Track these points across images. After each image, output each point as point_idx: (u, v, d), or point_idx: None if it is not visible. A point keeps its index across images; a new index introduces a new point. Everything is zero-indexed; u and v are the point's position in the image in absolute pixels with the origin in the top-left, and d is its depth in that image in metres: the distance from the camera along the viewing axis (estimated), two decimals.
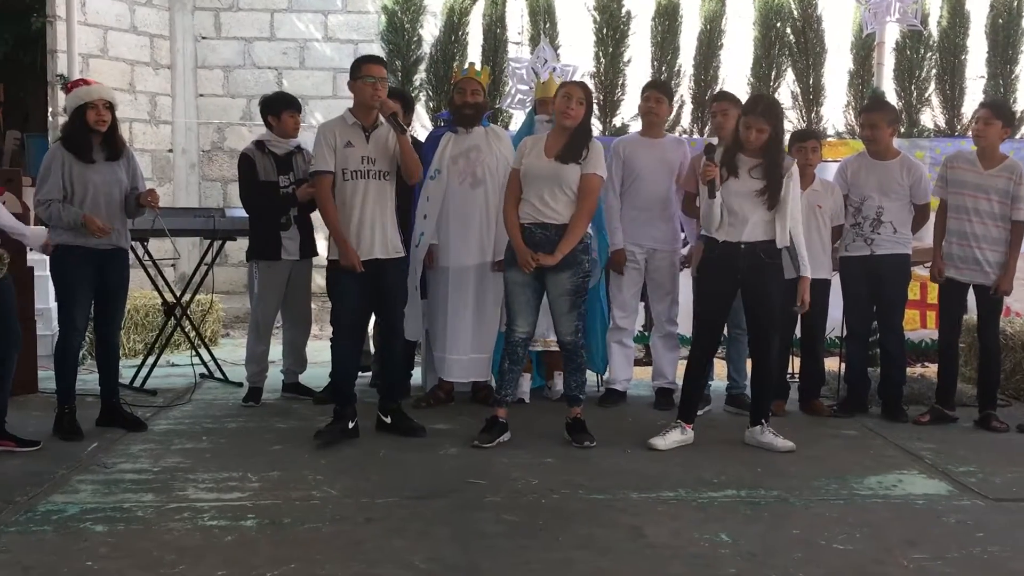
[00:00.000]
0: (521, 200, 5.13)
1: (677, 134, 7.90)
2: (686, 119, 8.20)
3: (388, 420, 5.33)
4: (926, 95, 8.20)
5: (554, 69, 6.85)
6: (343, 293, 5.18)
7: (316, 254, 6.30)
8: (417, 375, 6.65)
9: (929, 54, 8.20)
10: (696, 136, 8.00)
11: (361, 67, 5.16)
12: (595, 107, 8.16)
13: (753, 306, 5.17)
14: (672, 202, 6.10)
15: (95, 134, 5.25)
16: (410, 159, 5.18)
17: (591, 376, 6.77)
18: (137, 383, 6.63)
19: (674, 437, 5.16)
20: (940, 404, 5.82)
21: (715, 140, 5.71)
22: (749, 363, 5.62)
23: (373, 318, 6.15)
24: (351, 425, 5.20)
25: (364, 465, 4.75)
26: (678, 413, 5.28)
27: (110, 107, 5.27)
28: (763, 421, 5.18)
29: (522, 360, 5.27)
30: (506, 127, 7.78)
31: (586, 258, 5.15)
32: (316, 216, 6.29)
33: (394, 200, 5.27)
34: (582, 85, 5.27)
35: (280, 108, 6.10)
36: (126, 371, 6.64)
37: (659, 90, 6.24)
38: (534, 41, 8.00)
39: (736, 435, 5.31)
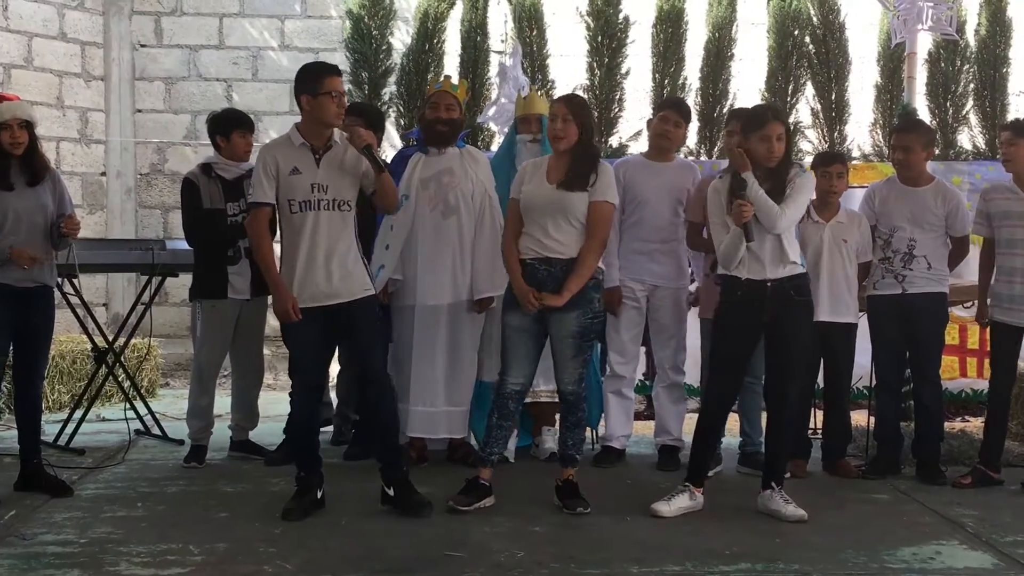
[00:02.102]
0: (524, 234, 5.15)
1: (682, 155, 7.95)
2: (692, 139, 8.24)
3: (391, 492, 5.13)
4: (963, 112, 8.29)
5: (522, 87, 6.82)
6: (299, 341, 5.10)
7: (270, 292, 6.29)
8: None
9: (966, 66, 8.29)
10: (704, 159, 8.05)
11: (324, 80, 4.95)
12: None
13: (777, 351, 5.16)
14: (678, 234, 6.12)
15: (10, 157, 5.25)
16: (392, 197, 5.10)
17: (586, 431, 6.78)
18: (62, 441, 6.57)
19: (681, 503, 5.14)
20: (983, 464, 5.82)
21: (724, 166, 5.73)
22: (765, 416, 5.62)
23: (336, 367, 6.15)
24: (319, 495, 5.13)
25: (324, 535, 4.72)
26: (686, 475, 5.26)
27: (27, 126, 5.27)
28: (774, 484, 5.15)
29: (513, 415, 5.26)
30: (488, 147, 7.82)
31: (597, 296, 5.17)
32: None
33: (354, 232, 5.12)
34: (568, 100, 5.31)
35: (230, 128, 6.12)
36: (49, 427, 6.60)
37: (678, 112, 6.23)
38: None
39: (751, 500, 5.29)
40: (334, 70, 5.06)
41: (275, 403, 6.79)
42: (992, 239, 5.83)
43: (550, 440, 6.18)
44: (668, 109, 6.27)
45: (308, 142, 5.01)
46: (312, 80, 4.98)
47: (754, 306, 5.07)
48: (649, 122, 6.46)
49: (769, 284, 5.06)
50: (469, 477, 5.21)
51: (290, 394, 5.30)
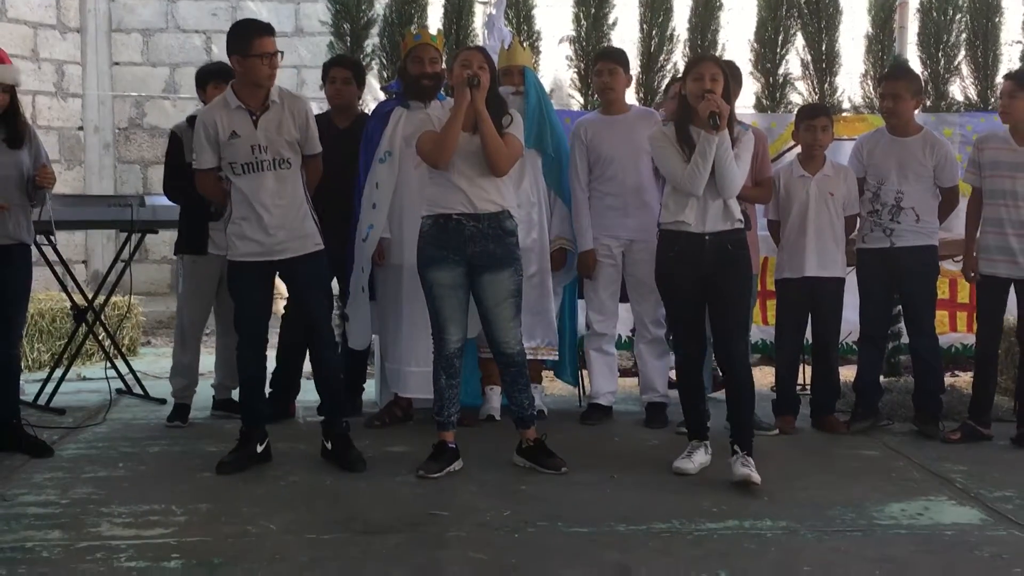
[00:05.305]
0: (438, 187, 5.09)
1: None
2: None
3: (329, 445, 5.28)
4: (955, 63, 8.25)
5: (504, 39, 6.76)
6: (245, 294, 5.19)
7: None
8: (371, 390, 6.63)
9: (958, 16, 8.25)
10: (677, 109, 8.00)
11: (253, 41, 5.01)
12: (575, 79, 8.24)
13: (720, 308, 5.10)
14: (649, 187, 6.11)
15: None
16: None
17: (571, 390, 6.81)
18: (42, 400, 6.57)
19: (700, 458, 5.15)
20: (973, 419, 5.86)
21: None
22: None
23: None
24: (260, 448, 5.20)
25: (308, 495, 4.74)
26: (691, 434, 5.25)
27: (9, 89, 5.24)
28: (737, 448, 4.97)
29: (460, 372, 5.26)
30: None
31: (518, 251, 5.20)
32: None
33: (302, 187, 5.21)
34: (480, 48, 5.41)
35: (206, 79, 6.09)
36: (29, 386, 6.59)
37: (610, 59, 6.24)
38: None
39: None
40: (264, 30, 5.10)
41: None
42: (980, 189, 5.83)
43: (536, 398, 6.18)
44: (600, 61, 6.29)
45: (244, 103, 5.08)
46: (241, 41, 5.04)
47: (692, 260, 5.02)
48: (593, 81, 6.49)
49: (707, 238, 5.00)
50: (435, 443, 5.20)
51: (236, 348, 5.31)
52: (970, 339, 7.00)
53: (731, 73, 5.46)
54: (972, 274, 5.89)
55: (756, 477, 4.80)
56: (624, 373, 7.13)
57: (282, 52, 5.16)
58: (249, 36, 5.03)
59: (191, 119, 6.09)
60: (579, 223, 6.16)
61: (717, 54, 8.10)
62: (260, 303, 5.24)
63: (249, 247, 5.10)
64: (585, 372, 6.55)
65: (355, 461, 5.19)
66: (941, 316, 7.05)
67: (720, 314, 5.11)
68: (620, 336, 6.82)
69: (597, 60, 6.36)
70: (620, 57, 6.31)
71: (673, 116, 5.23)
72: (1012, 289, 5.80)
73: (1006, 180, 5.70)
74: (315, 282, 5.28)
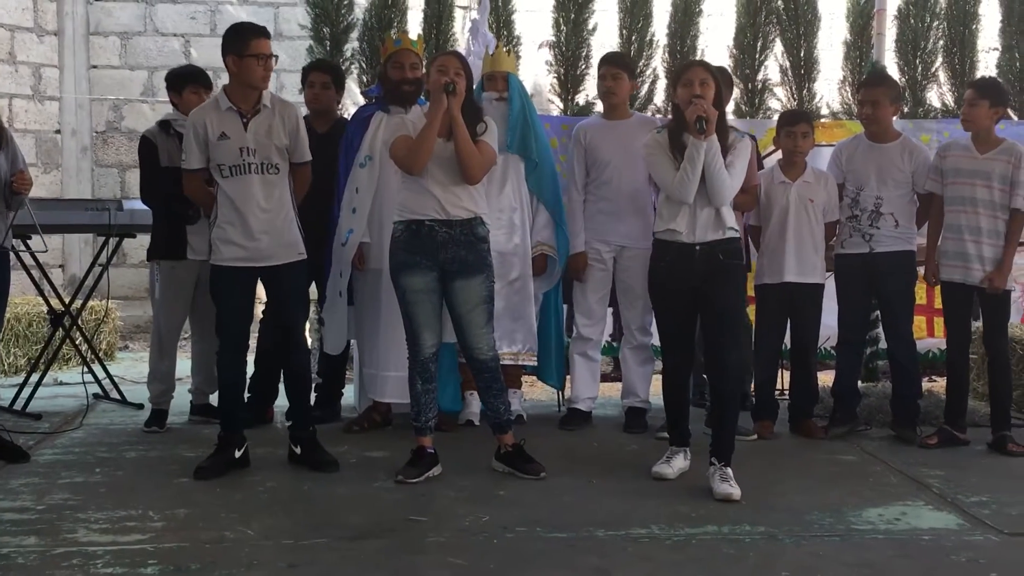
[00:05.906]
0: (411, 193, 5.08)
1: (649, 113, 7.94)
2: (659, 96, 8.24)
3: (298, 450, 5.31)
4: (932, 70, 8.31)
5: (488, 44, 6.79)
6: (227, 299, 5.18)
7: None
8: (349, 395, 6.62)
9: (936, 23, 8.30)
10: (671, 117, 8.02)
11: (250, 42, 5.02)
12: (555, 84, 8.25)
13: (711, 317, 5.04)
14: (644, 194, 6.12)
15: None
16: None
17: (551, 394, 6.81)
18: (18, 405, 6.53)
19: (679, 463, 5.15)
20: (949, 424, 5.88)
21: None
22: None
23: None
24: (238, 454, 5.20)
25: (286, 501, 4.72)
26: (672, 440, 5.24)
27: None
28: (714, 460, 4.93)
29: (435, 377, 5.25)
30: None
31: (491, 257, 5.19)
32: None
33: (289, 194, 5.22)
34: (457, 54, 5.39)
35: (182, 84, 6.08)
36: (5, 391, 6.56)
37: (616, 64, 6.23)
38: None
39: None
40: (261, 32, 5.11)
41: None
42: (942, 196, 5.86)
43: (516, 403, 6.18)
44: (606, 65, 6.26)
45: (235, 106, 5.09)
46: (238, 41, 5.05)
47: (683, 272, 4.98)
48: (597, 85, 6.49)
49: (698, 248, 4.96)
50: (414, 448, 5.18)
51: (216, 352, 5.32)
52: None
53: (722, 79, 5.48)
54: (933, 279, 5.94)
55: (736, 495, 4.76)
56: (603, 378, 7.13)
57: (277, 56, 5.17)
58: (246, 37, 5.04)
59: (162, 123, 6.09)
60: (572, 225, 6.17)
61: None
62: (242, 308, 5.22)
63: (233, 252, 5.09)
64: (567, 376, 6.56)
65: (326, 463, 5.21)
66: (919, 321, 7.07)
67: (711, 324, 5.05)
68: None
69: (602, 64, 6.33)
70: (626, 63, 6.33)
71: (669, 124, 5.23)
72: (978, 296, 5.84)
73: (965, 187, 5.74)
74: (295, 291, 5.31)
